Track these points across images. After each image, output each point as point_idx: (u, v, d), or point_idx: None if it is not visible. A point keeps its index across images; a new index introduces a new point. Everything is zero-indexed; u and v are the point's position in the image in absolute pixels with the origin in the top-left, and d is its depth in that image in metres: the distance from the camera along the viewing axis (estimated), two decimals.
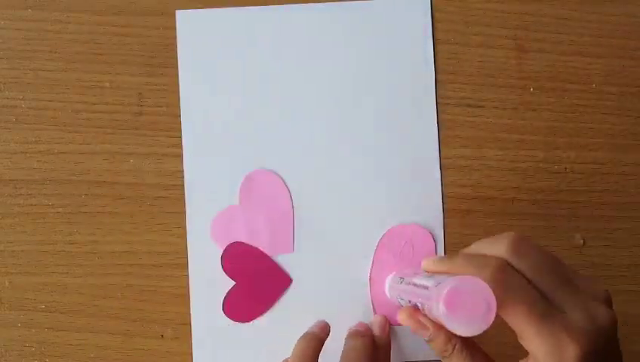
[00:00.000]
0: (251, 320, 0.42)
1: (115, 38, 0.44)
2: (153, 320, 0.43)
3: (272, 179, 0.43)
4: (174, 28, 0.44)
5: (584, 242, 0.44)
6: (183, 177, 0.43)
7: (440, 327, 0.32)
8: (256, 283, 0.42)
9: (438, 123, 0.44)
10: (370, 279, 0.43)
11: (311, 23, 0.44)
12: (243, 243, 0.43)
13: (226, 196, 0.43)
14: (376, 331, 0.41)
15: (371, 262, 0.43)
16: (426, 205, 0.43)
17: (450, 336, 0.33)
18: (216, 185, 0.43)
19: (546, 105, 0.44)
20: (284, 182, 0.43)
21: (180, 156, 0.43)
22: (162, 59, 0.44)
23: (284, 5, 0.44)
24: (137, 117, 0.44)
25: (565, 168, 0.44)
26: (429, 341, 0.34)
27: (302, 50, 0.44)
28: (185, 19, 0.44)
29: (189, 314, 0.43)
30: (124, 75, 0.44)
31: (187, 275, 0.43)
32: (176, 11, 0.44)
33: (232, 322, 0.42)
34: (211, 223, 0.43)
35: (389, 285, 0.42)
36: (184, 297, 0.43)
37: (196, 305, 0.43)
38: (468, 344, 0.33)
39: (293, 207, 0.43)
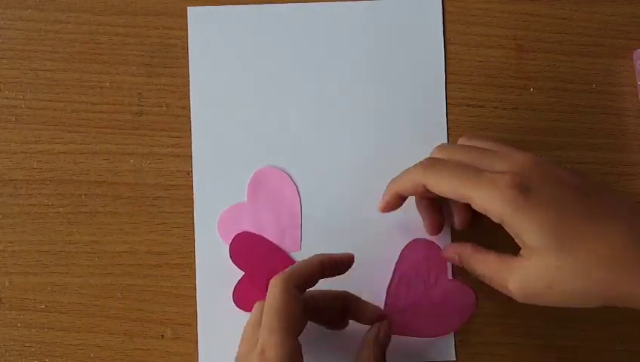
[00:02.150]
0: None
1: (115, 38, 0.44)
2: (153, 320, 0.43)
3: (281, 177, 0.43)
4: (174, 28, 0.44)
5: None
6: (182, 177, 0.43)
7: None
8: (266, 272, 0.41)
9: (447, 124, 0.44)
10: (388, 287, 0.42)
11: (322, 21, 0.44)
12: (251, 233, 0.42)
13: (234, 193, 0.43)
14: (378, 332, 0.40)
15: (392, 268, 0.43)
16: None
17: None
18: (225, 182, 0.43)
19: (546, 105, 0.44)
20: (293, 181, 0.43)
21: (180, 156, 0.43)
22: (162, 59, 0.44)
23: (296, 4, 0.44)
24: (137, 117, 0.44)
25: (565, 168, 0.44)
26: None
27: (313, 48, 0.44)
28: (196, 16, 0.44)
29: (189, 314, 0.43)
30: (124, 75, 0.44)
31: (187, 275, 0.43)
32: (188, 8, 0.44)
33: (238, 317, 0.41)
34: (218, 220, 0.43)
35: None
36: (184, 297, 0.43)
37: (202, 303, 0.42)
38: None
39: (301, 205, 0.43)
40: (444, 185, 0.35)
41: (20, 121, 0.43)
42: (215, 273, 0.43)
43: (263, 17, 0.44)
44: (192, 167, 0.43)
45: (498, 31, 0.44)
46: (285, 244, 0.43)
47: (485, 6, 0.44)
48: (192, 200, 0.43)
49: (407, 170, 0.38)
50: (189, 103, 0.44)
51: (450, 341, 0.42)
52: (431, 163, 0.36)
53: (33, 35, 0.44)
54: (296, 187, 0.43)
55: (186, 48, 0.44)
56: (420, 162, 0.37)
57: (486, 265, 0.36)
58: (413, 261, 0.42)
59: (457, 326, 0.42)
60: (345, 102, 0.44)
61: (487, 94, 0.44)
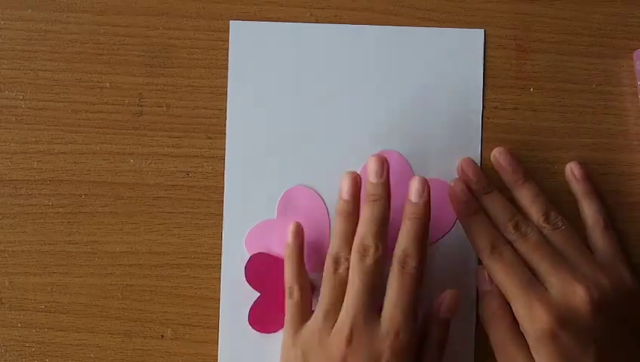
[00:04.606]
0: (276, 331, 0.42)
1: (115, 38, 0.44)
2: (153, 320, 0.43)
3: (312, 197, 0.43)
4: (175, 28, 0.44)
5: None
6: (182, 177, 0.43)
7: None
8: (282, 294, 0.41)
9: (481, 154, 0.44)
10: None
11: (359, 42, 0.44)
12: (268, 254, 0.42)
13: (263, 210, 0.43)
14: (413, 197, 0.39)
15: None
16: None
17: None
18: (256, 198, 0.43)
19: (546, 105, 0.44)
20: (324, 201, 0.43)
21: (180, 156, 0.43)
22: (162, 59, 0.44)
23: (335, 24, 0.44)
24: (137, 117, 0.44)
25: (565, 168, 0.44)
26: None
27: (351, 69, 0.44)
28: (238, 30, 0.43)
29: (189, 314, 0.43)
30: (124, 75, 0.44)
31: (187, 275, 0.43)
32: (230, 21, 0.44)
33: (260, 337, 0.42)
34: (247, 236, 0.43)
35: None
36: (184, 297, 0.43)
37: (225, 315, 0.43)
38: None
39: (330, 226, 0.43)
40: (498, 279, 0.38)
41: (20, 121, 0.43)
42: (239, 288, 0.42)
43: (302, 35, 0.44)
44: (190, 168, 0.43)
45: (498, 31, 0.44)
46: (311, 264, 0.42)
47: (485, 6, 0.44)
48: (192, 200, 0.43)
49: (476, 229, 0.40)
50: (189, 104, 0.44)
51: (469, 353, 0.42)
52: (498, 251, 0.39)
53: (33, 35, 0.44)
54: (327, 208, 0.43)
55: (186, 49, 0.44)
56: (488, 240, 0.39)
57: (500, 339, 0.39)
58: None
59: (451, 222, 0.42)
60: (381, 125, 0.43)
61: (487, 94, 0.44)
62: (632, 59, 0.44)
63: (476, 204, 0.41)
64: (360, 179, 0.40)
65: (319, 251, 0.42)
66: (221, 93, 0.44)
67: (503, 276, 0.38)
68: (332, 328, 0.36)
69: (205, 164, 0.43)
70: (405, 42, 0.44)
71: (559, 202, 0.43)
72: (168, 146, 0.44)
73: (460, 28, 0.44)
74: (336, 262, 0.38)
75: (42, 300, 0.43)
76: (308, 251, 0.42)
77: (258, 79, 0.44)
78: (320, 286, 0.39)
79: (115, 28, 0.44)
